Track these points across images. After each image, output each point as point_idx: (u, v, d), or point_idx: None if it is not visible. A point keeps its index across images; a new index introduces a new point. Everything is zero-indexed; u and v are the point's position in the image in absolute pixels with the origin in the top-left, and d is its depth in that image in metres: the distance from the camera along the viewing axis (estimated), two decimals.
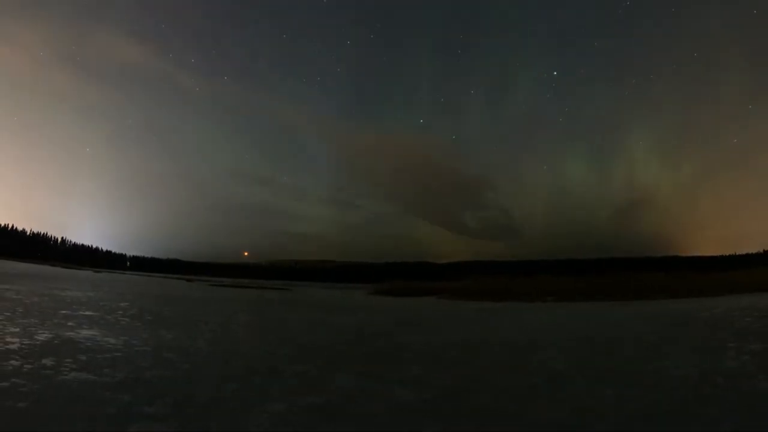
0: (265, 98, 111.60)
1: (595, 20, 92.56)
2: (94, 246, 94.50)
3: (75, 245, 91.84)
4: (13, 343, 4.73)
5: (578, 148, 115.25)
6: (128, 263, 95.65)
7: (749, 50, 78.17)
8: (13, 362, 3.90)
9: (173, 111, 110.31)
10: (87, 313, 8.17)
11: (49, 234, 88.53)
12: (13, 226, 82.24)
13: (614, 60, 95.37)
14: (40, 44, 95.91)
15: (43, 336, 5.30)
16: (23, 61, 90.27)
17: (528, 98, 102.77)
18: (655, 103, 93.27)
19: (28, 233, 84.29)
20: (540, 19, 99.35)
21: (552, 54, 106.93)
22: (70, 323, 6.61)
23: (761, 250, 61.85)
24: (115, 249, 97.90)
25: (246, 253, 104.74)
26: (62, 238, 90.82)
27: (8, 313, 7.04)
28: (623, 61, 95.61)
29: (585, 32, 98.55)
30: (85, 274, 36.77)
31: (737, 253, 66.22)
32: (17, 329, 5.62)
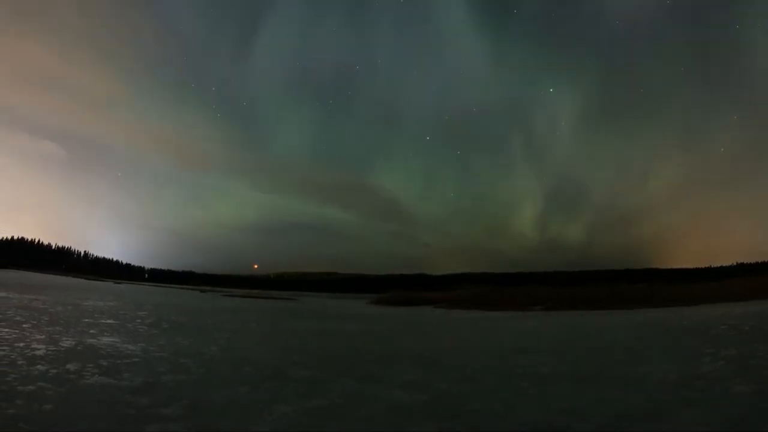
0: None
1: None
2: (114, 259, 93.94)
3: (97, 258, 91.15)
4: (39, 349, 4.70)
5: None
6: (146, 275, 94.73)
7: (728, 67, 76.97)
8: (39, 367, 3.88)
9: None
10: (108, 321, 8.11)
11: (72, 248, 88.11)
12: (39, 241, 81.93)
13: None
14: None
15: (67, 343, 5.27)
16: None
17: None
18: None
19: (53, 247, 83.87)
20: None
21: None
22: (92, 331, 6.57)
23: (734, 263, 61.59)
24: (135, 262, 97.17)
25: (256, 266, 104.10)
26: (85, 251, 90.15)
27: (34, 322, 7.00)
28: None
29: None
30: (106, 285, 36.51)
31: (712, 266, 65.78)
32: (43, 336, 5.58)
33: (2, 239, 74.25)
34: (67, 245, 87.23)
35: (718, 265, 63.63)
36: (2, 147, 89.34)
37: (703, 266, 66.45)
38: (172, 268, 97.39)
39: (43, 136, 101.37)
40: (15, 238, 77.00)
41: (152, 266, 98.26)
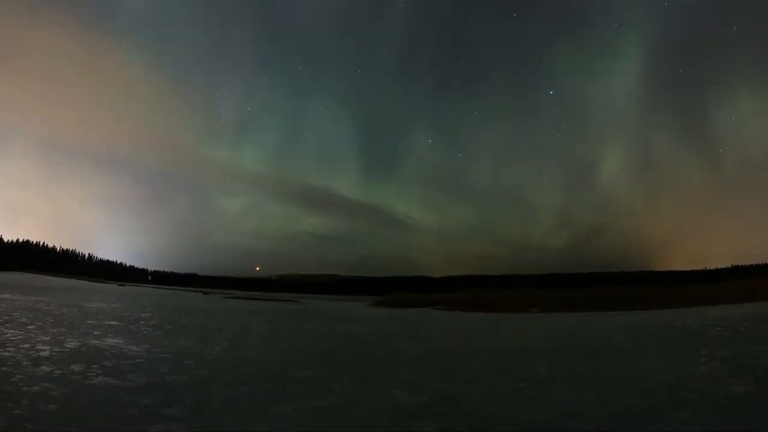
0: None
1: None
2: (118, 261, 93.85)
3: (101, 261, 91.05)
4: (44, 350, 4.70)
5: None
6: (150, 277, 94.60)
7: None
8: (44, 368, 3.88)
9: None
10: (112, 322, 8.10)
11: (77, 250, 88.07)
12: (44, 243, 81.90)
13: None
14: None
15: (71, 344, 5.27)
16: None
17: None
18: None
19: (58, 250, 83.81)
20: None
21: None
22: (96, 332, 6.57)
23: (730, 265, 61.42)
24: (138, 264, 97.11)
25: (257, 268, 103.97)
26: (89, 254, 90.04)
27: (39, 323, 6.99)
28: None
29: None
30: (110, 287, 36.48)
31: (708, 268, 65.61)
32: (48, 337, 5.58)
33: (8, 242, 74.32)
34: (71, 248, 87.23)
35: (714, 268, 63.68)
36: (6, 151, 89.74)
37: (699, 269, 66.50)
38: (175, 270, 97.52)
39: (52, 145, 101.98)
40: (20, 240, 77.11)
41: (155, 268, 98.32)
